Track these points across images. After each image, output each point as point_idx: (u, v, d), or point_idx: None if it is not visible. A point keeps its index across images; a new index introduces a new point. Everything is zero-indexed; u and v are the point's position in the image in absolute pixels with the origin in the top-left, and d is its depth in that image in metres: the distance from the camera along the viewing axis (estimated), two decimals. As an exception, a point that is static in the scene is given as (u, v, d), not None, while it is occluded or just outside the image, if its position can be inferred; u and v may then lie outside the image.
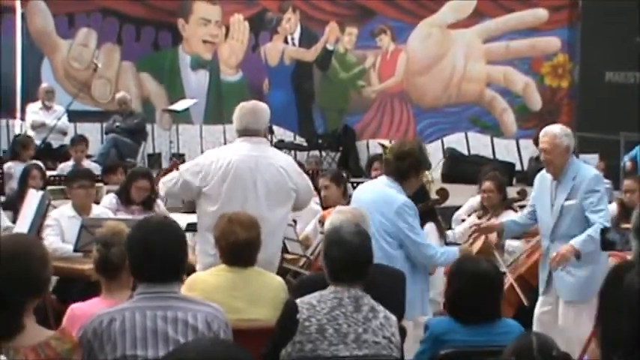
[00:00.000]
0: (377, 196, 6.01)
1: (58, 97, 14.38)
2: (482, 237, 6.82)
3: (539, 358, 3.08)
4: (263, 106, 6.16)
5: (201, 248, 5.89)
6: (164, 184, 6.12)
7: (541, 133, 6.55)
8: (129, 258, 3.83)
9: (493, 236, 6.83)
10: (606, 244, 6.42)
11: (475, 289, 4.36)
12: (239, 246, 4.92)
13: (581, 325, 6.10)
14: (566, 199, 6.35)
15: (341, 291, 4.25)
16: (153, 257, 3.72)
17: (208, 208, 5.81)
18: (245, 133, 6.00)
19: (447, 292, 4.58)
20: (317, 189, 9.47)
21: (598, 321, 3.13)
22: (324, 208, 8.34)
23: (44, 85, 14.67)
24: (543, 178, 6.59)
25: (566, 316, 6.37)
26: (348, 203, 7.20)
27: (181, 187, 5.98)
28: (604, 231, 6.42)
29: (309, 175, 10.36)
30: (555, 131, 6.40)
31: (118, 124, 13.90)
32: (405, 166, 6.03)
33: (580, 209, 6.31)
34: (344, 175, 8.49)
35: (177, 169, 6.09)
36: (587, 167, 6.63)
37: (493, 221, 7.39)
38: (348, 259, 4.29)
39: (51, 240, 7.03)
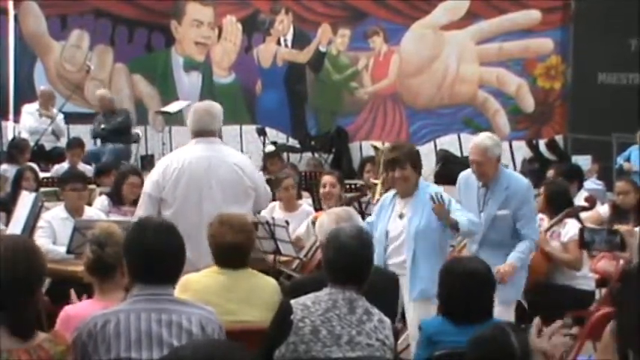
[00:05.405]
0: None
1: (51, 99, 14.36)
2: None
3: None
4: (218, 107, 6.16)
5: None
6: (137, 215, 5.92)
7: (471, 145, 6.56)
8: (126, 259, 3.81)
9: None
10: (584, 244, 6.54)
11: (466, 289, 4.37)
12: (226, 248, 4.92)
13: None
14: (499, 209, 6.39)
15: (336, 292, 4.25)
16: (151, 259, 3.71)
17: (165, 213, 5.76)
18: (200, 134, 5.97)
19: (439, 293, 4.59)
20: (311, 190, 9.49)
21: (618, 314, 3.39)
22: (318, 209, 8.35)
23: (45, 88, 14.60)
24: (468, 182, 6.61)
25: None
26: (341, 205, 7.22)
27: (152, 205, 5.86)
28: (582, 231, 6.55)
29: (308, 178, 10.41)
30: (486, 143, 6.40)
31: (103, 126, 13.79)
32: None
33: (512, 219, 6.40)
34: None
35: None
36: (518, 176, 6.71)
37: None
38: (341, 261, 4.28)
39: (41, 242, 7.01)
